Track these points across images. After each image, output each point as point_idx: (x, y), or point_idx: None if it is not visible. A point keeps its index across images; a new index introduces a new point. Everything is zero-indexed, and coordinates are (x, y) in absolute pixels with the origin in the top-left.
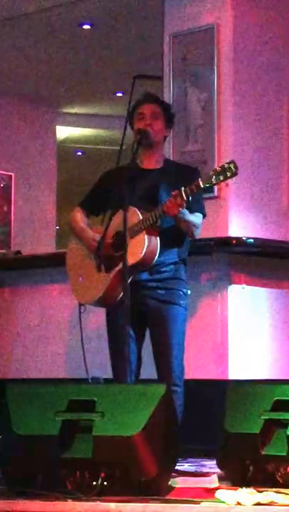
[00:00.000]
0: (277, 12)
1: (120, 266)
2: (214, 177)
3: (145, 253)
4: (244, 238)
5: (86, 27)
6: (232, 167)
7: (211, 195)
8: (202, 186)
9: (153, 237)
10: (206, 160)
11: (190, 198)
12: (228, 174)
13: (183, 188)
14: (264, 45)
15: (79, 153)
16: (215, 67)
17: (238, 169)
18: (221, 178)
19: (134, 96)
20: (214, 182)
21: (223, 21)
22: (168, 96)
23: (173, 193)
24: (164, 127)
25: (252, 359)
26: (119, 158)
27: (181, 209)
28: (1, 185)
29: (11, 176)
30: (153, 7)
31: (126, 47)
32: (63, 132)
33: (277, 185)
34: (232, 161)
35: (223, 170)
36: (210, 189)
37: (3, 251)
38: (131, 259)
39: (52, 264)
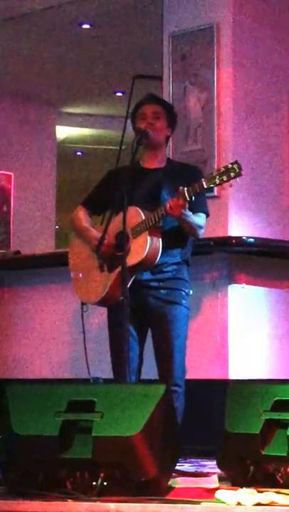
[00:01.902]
0: (277, 12)
1: None
2: (218, 177)
3: (147, 253)
4: (244, 238)
5: (86, 27)
6: (236, 167)
7: (211, 195)
8: (205, 187)
9: (155, 238)
10: (206, 160)
11: (193, 198)
12: (232, 174)
13: (186, 189)
14: (264, 45)
15: (79, 153)
16: (215, 67)
17: (242, 170)
18: (225, 178)
19: (134, 96)
20: (218, 182)
21: (223, 21)
22: (168, 96)
23: (178, 192)
24: (166, 127)
25: (252, 359)
26: (118, 158)
27: (183, 210)
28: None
29: (10, 176)
30: (153, 7)
31: (126, 47)
32: (63, 132)
33: (278, 185)
34: (236, 162)
35: (227, 170)
36: (210, 189)
37: (2, 251)
38: (133, 259)
39: (52, 264)
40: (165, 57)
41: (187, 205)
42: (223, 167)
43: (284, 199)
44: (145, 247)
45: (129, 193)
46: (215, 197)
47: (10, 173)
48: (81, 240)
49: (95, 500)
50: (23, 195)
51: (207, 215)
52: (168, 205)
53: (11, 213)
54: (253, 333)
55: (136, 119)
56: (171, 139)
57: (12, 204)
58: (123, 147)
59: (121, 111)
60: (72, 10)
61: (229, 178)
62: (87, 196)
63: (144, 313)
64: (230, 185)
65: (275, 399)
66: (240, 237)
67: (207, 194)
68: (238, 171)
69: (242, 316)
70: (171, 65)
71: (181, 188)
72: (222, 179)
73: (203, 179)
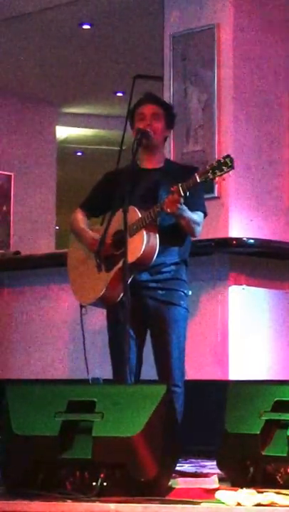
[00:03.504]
0: (278, 12)
1: (120, 265)
2: (211, 172)
3: (144, 250)
4: (244, 238)
5: (86, 27)
6: (228, 161)
7: (211, 195)
8: (198, 181)
9: (152, 234)
10: (207, 160)
11: (187, 193)
12: (225, 169)
13: (180, 184)
14: (264, 45)
15: (79, 153)
16: (215, 67)
17: (234, 163)
18: (218, 172)
19: (134, 96)
20: (211, 177)
21: (223, 21)
22: (168, 96)
23: (171, 189)
24: (165, 128)
25: (252, 359)
26: (119, 158)
27: (179, 205)
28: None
29: (10, 175)
30: (153, 7)
31: (126, 47)
32: (63, 132)
33: (278, 186)
34: (228, 156)
35: (220, 164)
36: (210, 190)
37: (2, 251)
38: (131, 257)
39: (51, 265)
40: (166, 57)
41: (182, 201)
42: (216, 161)
43: (284, 200)
44: (142, 244)
45: (128, 193)
46: (215, 197)
47: (10, 173)
48: (79, 241)
49: (94, 501)
50: (23, 195)
51: (205, 215)
52: (164, 202)
53: (11, 213)
54: (253, 334)
55: (135, 119)
56: (172, 139)
57: (12, 204)
58: (123, 147)
59: (121, 111)
60: (72, 10)
61: (222, 172)
62: (85, 198)
63: (143, 315)
64: (224, 179)
65: (275, 399)
66: (240, 238)
67: (207, 195)
68: (230, 164)
69: (242, 317)
70: (172, 66)
71: (174, 186)
72: (215, 173)
73: (196, 173)
